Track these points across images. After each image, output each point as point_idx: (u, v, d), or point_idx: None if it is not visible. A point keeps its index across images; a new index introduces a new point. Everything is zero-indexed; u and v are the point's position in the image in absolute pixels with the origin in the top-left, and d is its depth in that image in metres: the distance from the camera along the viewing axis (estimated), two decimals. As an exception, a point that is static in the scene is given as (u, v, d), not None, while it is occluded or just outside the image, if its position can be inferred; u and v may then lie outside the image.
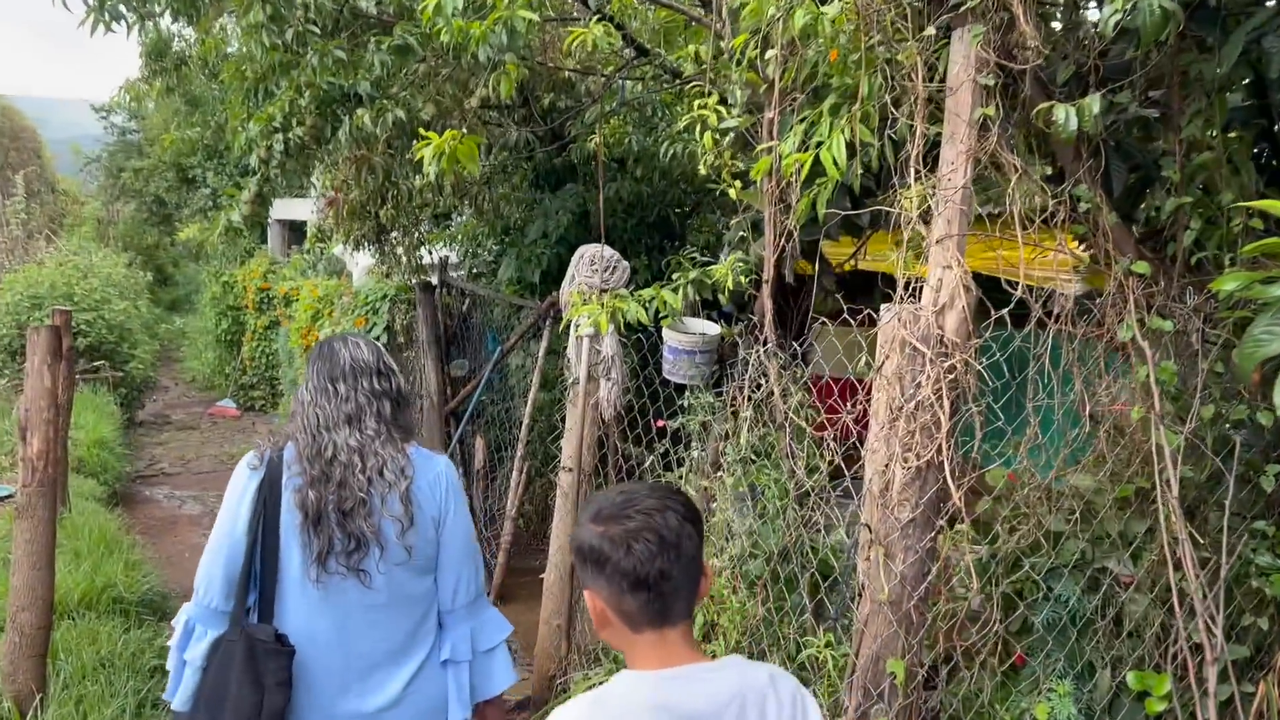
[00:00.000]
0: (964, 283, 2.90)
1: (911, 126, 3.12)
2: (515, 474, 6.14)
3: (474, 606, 2.60)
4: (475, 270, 7.81)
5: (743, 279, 3.81)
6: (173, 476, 10.55)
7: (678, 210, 6.72)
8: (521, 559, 6.27)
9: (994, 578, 3.12)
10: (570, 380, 4.74)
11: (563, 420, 7.60)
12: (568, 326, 4.64)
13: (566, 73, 5.69)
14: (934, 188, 3.04)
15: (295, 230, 16.73)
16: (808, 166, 3.33)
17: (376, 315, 7.15)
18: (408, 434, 2.52)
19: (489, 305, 7.47)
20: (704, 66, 3.88)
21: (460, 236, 7.61)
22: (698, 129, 3.75)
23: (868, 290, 4.49)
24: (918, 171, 3.09)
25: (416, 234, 7.92)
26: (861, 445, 3.10)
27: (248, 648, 2.31)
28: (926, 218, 2.99)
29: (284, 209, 16.10)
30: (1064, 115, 2.74)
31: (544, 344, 6.11)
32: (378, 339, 7.28)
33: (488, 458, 6.70)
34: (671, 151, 5.16)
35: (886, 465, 2.95)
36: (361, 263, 8.79)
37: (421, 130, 3.30)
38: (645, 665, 1.63)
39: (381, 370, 2.51)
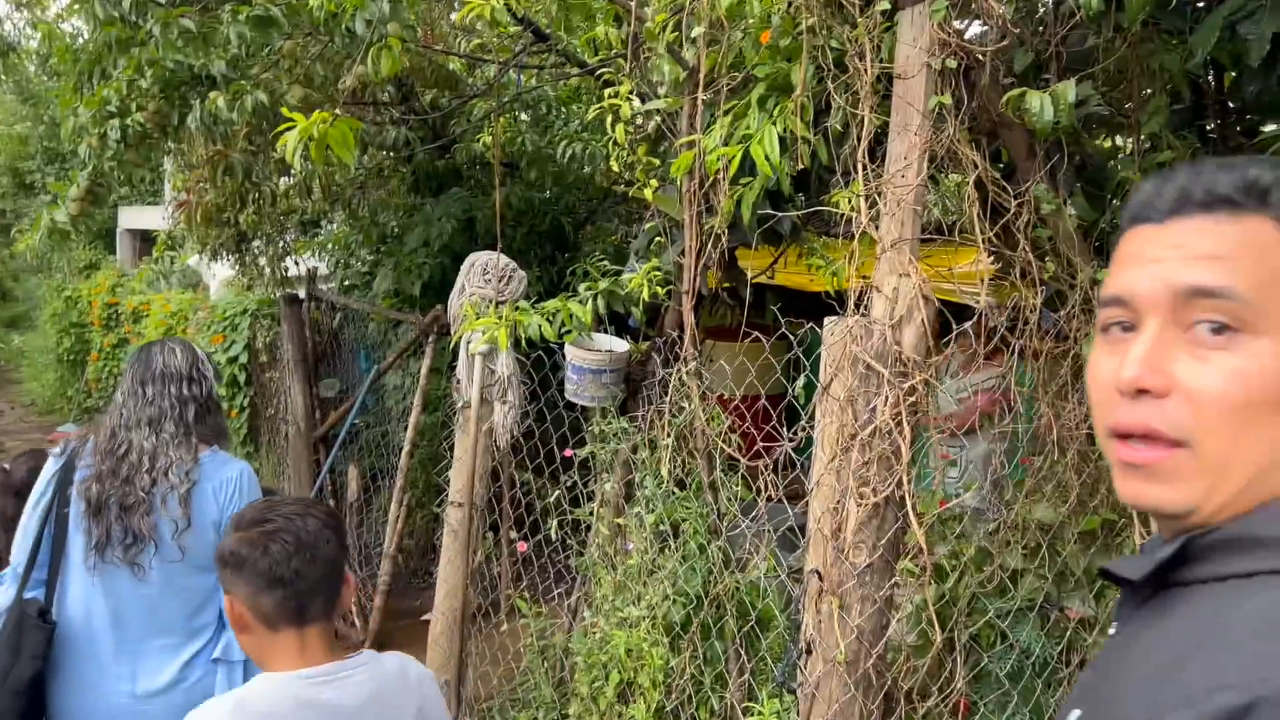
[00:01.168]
0: (923, 292, 2.54)
1: (854, 115, 2.76)
2: (394, 506, 5.56)
3: None
4: (348, 282, 7.19)
5: (659, 289, 3.39)
6: (3, 512, 9.47)
7: (570, 218, 6.28)
8: (400, 599, 5.69)
9: (951, 623, 2.79)
10: (460, 403, 4.23)
11: (449, 448, 7.06)
12: (456, 344, 4.15)
13: (451, 64, 5.20)
14: (880, 187, 2.68)
15: (148, 240, 15.58)
16: (736, 162, 2.95)
17: (236, 332, 6.46)
18: (218, 437, 2.69)
19: (363, 320, 6.87)
20: (614, 52, 3.47)
21: (331, 245, 6.98)
22: (608, 121, 3.33)
23: (794, 302, 4.13)
24: (864, 167, 2.72)
25: (281, 243, 7.27)
26: (803, 474, 2.74)
27: (17, 618, 2.45)
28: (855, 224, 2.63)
29: (134, 217, 14.97)
30: (1039, 103, 2.42)
31: (426, 362, 5.56)
32: (235, 358, 6.59)
33: (362, 488, 6.09)
34: (570, 152, 4.74)
35: (838, 502, 2.57)
36: (220, 274, 8.05)
37: (286, 112, 2.77)
38: (284, 666, 1.68)
39: (193, 377, 2.64)
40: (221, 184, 4.93)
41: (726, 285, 3.87)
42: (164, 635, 2.58)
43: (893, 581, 2.52)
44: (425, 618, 4.34)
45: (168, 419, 2.58)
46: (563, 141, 4.76)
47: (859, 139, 2.74)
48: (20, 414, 14.88)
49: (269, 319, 6.48)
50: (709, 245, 3.31)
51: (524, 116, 5.11)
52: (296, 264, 7.72)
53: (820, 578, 2.57)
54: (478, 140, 4.97)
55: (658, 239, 3.79)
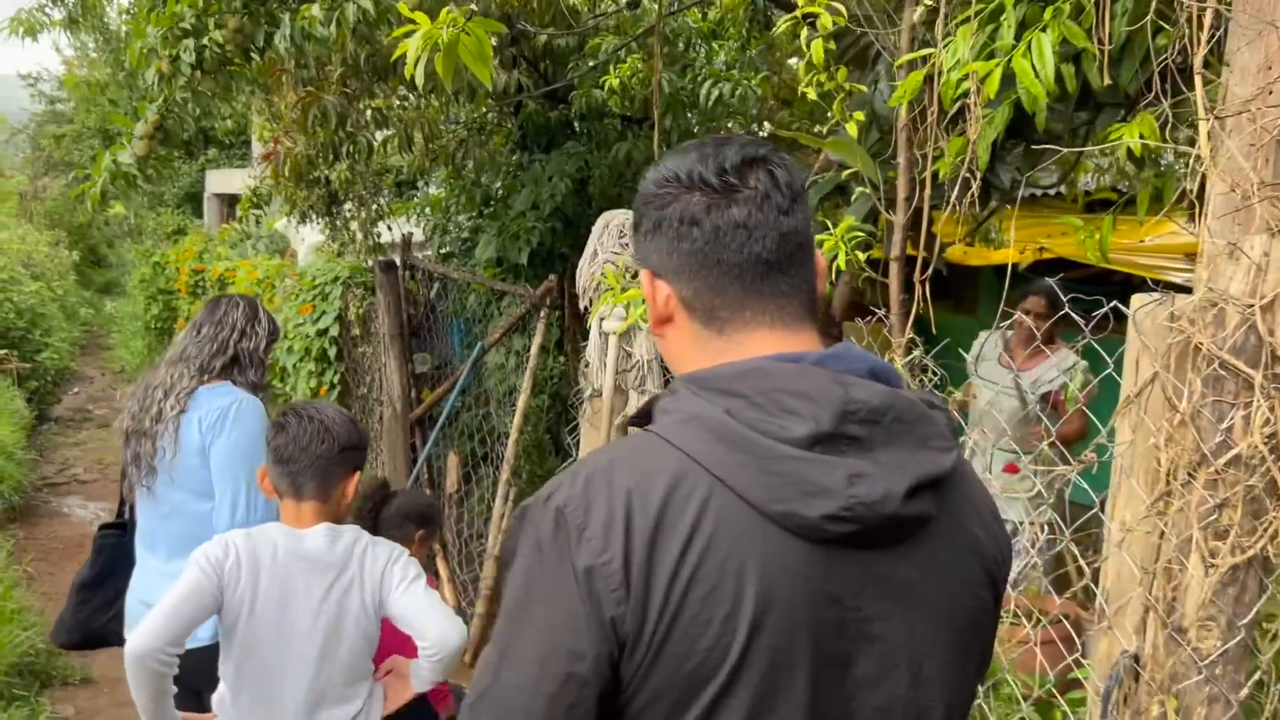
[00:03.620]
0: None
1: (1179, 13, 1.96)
2: (499, 502, 4.92)
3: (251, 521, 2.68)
4: (445, 249, 6.55)
5: (859, 254, 2.64)
6: (87, 484, 9.13)
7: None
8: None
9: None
10: (588, 392, 3.55)
11: (553, 437, 6.43)
12: (578, 320, 3.49)
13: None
14: (1223, 112, 1.86)
15: (235, 205, 15.30)
16: (995, 82, 2.17)
17: (326, 302, 5.88)
18: (253, 390, 2.78)
19: (462, 291, 6.24)
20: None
21: (428, 209, 6.35)
22: (803, 36, 2.58)
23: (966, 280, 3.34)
24: (1200, 79, 1.91)
25: (375, 205, 6.67)
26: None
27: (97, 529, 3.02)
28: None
29: (222, 181, 14.65)
30: None
31: (537, 339, 4.89)
32: (325, 331, 6.01)
33: (462, 478, 5.47)
34: (716, 94, 3.99)
35: (1169, 562, 1.80)
36: (309, 239, 7.50)
37: (405, 11, 2.09)
38: (288, 523, 2.20)
39: (245, 331, 2.79)
40: (312, 132, 4.31)
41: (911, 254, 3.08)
42: (178, 550, 2.60)
43: (1256, 675, 1.76)
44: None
45: (197, 358, 2.73)
46: (706, 82, 4.01)
47: (1195, 41, 1.93)
48: (109, 381, 14.72)
49: (362, 288, 5.88)
50: (924, 197, 2.55)
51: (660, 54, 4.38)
52: (390, 229, 7.13)
53: (1139, 665, 1.82)
54: (603, 82, 4.25)
55: (851, 190, 3.04)
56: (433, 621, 2.13)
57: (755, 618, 0.92)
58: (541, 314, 4.87)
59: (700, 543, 0.92)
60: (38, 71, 20.82)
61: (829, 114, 2.78)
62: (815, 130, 2.63)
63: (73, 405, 12.60)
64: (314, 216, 6.55)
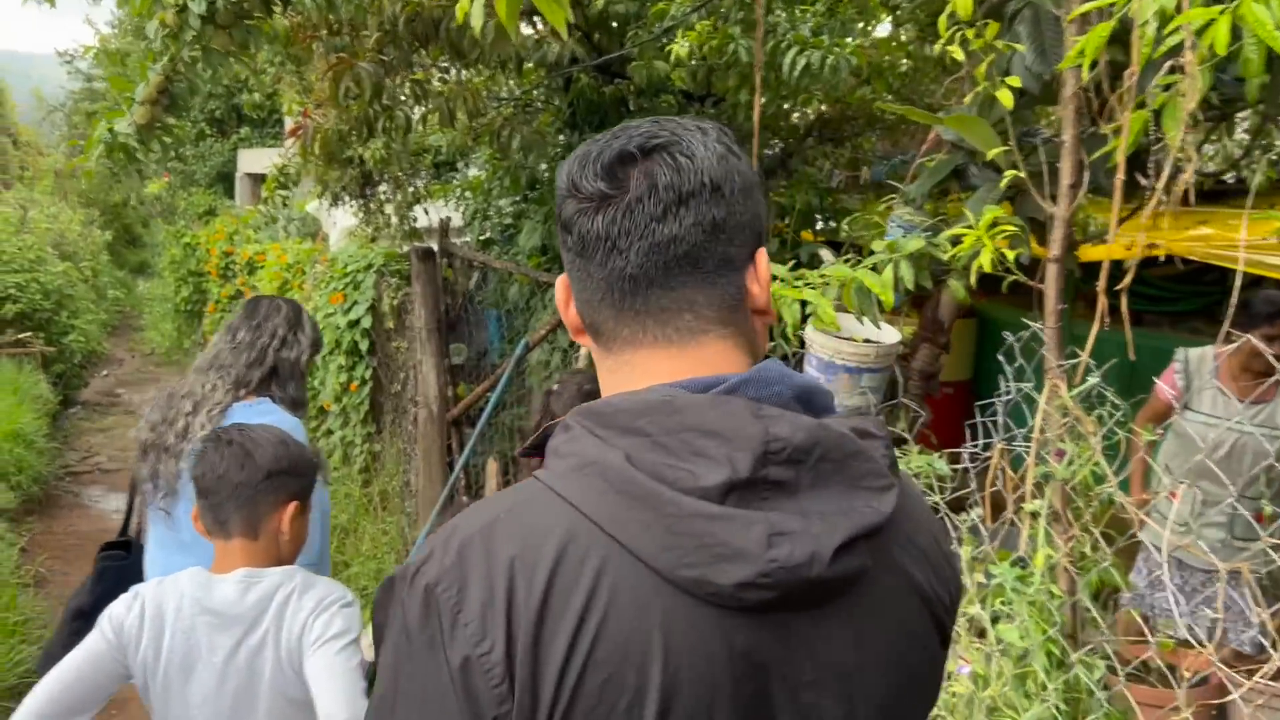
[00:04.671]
0: None
1: None
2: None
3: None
4: (485, 235, 6.10)
5: (1008, 253, 2.14)
6: (110, 474, 8.79)
7: (772, 152, 5.05)
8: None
9: None
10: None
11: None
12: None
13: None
14: None
15: (268, 186, 14.96)
16: (1224, 33, 1.67)
17: (358, 290, 5.44)
18: (293, 407, 2.52)
19: (503, 281, 5.78)
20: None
21: (469, 193, 5.90)
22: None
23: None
24: None
25: (412, 187, 6.23)
26: None
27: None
28: None
29: (254, 160, 14.27)
30: None
31: (588, 338, 4.42)
32: (356, 322, 5.57)
33: (501, 486, 5.02)
34: (802, 63, 3.49)
35: None
36: (341, 222, 7.08)
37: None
38: (216, 567, 1.89)
39: (285, 339, 2.53)
40: (345, 105, 3.85)
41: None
42: None
43: None
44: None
45: (233, 369, 2.47)
46: (790, 50, 3.51)
47: None
48: (139, 363, 14.45)
49: (397, 276, 5.44)
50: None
51: (733, 19, 3.87)
52: (426, 213, 6.70)
53: None
54: (668, 49, 3.76)
55: (974, 178, 2.54)
56: (328, 695, 1.75)
57: (663, 703, 0.79)
58: (594, 310, 4.40)
59: (595, 619, 0.79)
60: (74, 49, 20.65)
61: (918, 88, 2.29)
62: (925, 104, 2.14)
63: (101, 389, 12.32)
64: (346, 198, 6.13)
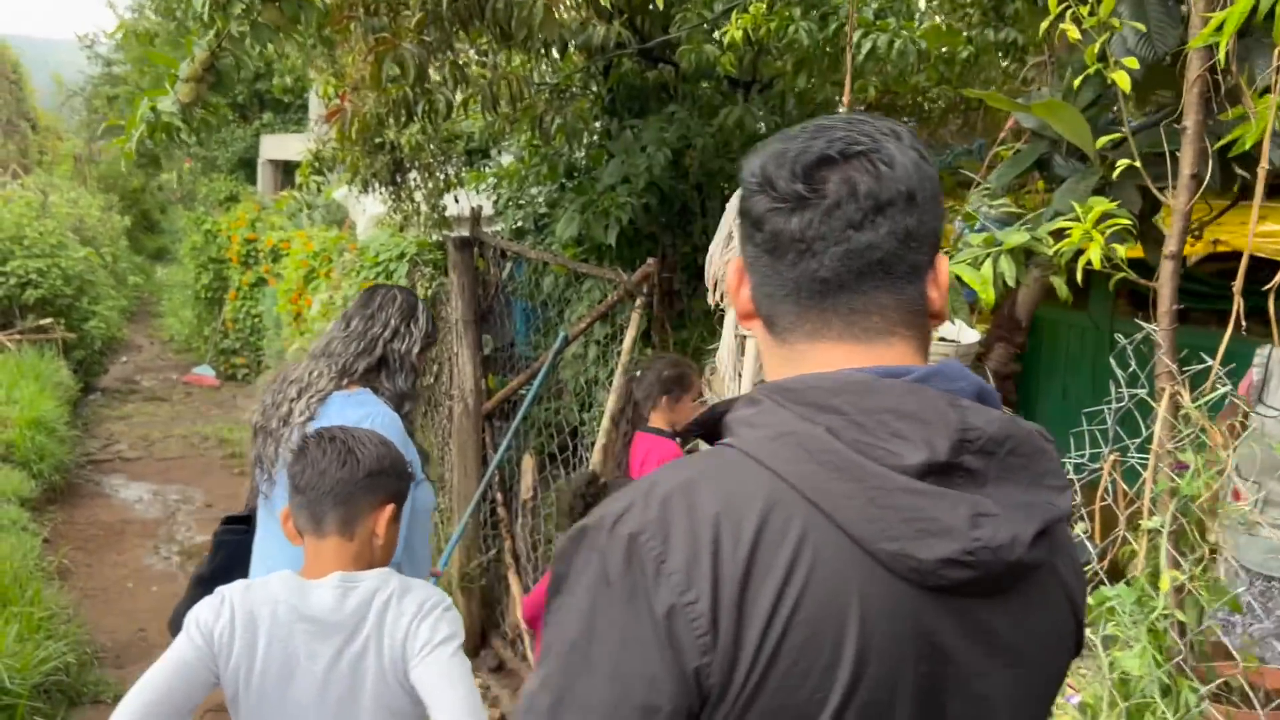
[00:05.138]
0: None
1: None
2: (582, 513, 4.32)
3: None
4: (519, 224, 5.95)
5: (1119, 248, 1.99)
6: (131, 462, 8.73)
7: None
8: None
9: None
10: (713, 402, 2.94)
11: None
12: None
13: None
14: None
15: (289, 172, 14.82)
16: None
17: (390, 280, 5.29)
18: (397, 400, 2.49)
19: (536, 272, 5.64)
20: None
21: (504, 181, 5.75)
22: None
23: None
24: None
25: (443, 174, 6.08)
26: None
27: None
28: None
29: (277, 146, 14.14)
30: None
31: (631, 331, 4.29)
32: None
33: (538, 483, 4.89)
34: (868, 47, 3.33)
35: None
36: (369, 210, 6.95)
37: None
38: (307, 574, 1.83)
39: (399, 331, 2.49)
40: (385, 87, 3.71)
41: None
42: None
43: None
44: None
45: (341, 357, 2.46)
46: (855, 33, 3.34)
47: None
48: (158, 350, 14.40)
49: (430, 266, 5.30)
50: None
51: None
52: (457, 201, 6.55)
53: None
54: (724, 33, 3.60)
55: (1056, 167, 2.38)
56: (448, 703, 1.72)
57: (855, 670, 0.81)
58: (637, 303, 4.26)
59: (799, 580, 0.80)
60: (94, 33, 20.56)
61: (978, 74, 2.12)
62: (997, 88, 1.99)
63: (120, 375, 12.27)
64: (376, 185, 5.99)
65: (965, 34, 3.85)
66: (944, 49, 4.26)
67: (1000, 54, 4.06)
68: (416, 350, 2.55)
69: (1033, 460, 0.87)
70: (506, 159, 6.57)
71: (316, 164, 4.88)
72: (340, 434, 1.91)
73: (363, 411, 2.37)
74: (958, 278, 2.12)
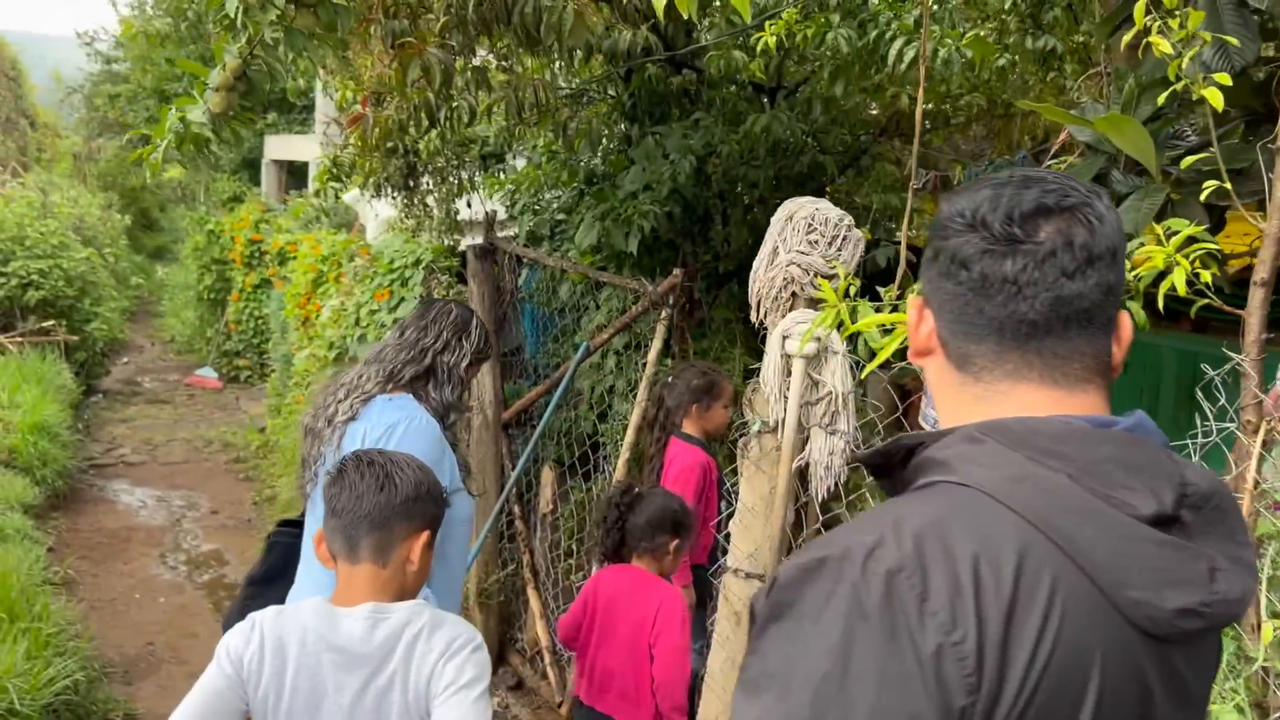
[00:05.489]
0: None
1: None
2: (604, 529, 4.22)
3: None
4: (535, 231, 5.85)
5: (1204, 274, 1.89)
6: (135, 467, 8.61)
7: (837, 156, 4.80)
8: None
9: None
10: (754, 425, 2.83)
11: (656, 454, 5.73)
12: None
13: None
14: None
15: (294, 174, 14.70)
16: None
17: (405, 288, 5.19)
18: (442, 410, 2.49)
19: (552, 280, 5.54)
20: None
21: (522, 186, 5.65)
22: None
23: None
24: None
25: (456, 178, 5.98)
26: None
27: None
28: None
29: (281, 147, 14.03)
30: None
31: (656, 343, 4.19)
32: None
33: (557, 496, 4.78)
34: (910, 55, 3.24)
35: None
36: (381, 213, 6.84)
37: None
38: (338, 600, 1.78)
39: (449, 344, 2.52)
40: (409, 92, 3.60)
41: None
42: None
43: None
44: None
45: (390, 364, 2.49)
46: (896, 40, 3.25)
47: None
48: (159, 351, 14.27)
49: (447, 274, 5.20)
50: None
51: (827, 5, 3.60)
52: (469, 206, 6.45)
53: None
54: (756, 39, 3.50)
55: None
56: None
57: (1095, 712, 0.83)
58: (664, 314, 4.16)
59: (1054, 624, 0.82)
60: (94, 31, 20.40)
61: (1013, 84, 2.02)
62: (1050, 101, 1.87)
63: (122, 377, 12.15)
64: (390, 190, 5.89)
65: (1003, 43, 3.75)
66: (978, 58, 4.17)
67: (1037, 63, 3.97)
68: (465, 364, 2.56)
69: (1228, 516, 0.90)
70: (520, 163, 6.47)
71: (335, 170, 4.77)
72: (379, 458, 1.87)
73: (401, 414, 2.39)
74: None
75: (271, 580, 2.57)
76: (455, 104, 3.98)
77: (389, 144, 4.93)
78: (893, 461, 0.99)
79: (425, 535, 1.86)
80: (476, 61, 4.23)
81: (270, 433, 8.43)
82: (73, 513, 7.22)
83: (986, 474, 0.88)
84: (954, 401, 0.98)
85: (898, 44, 3.27)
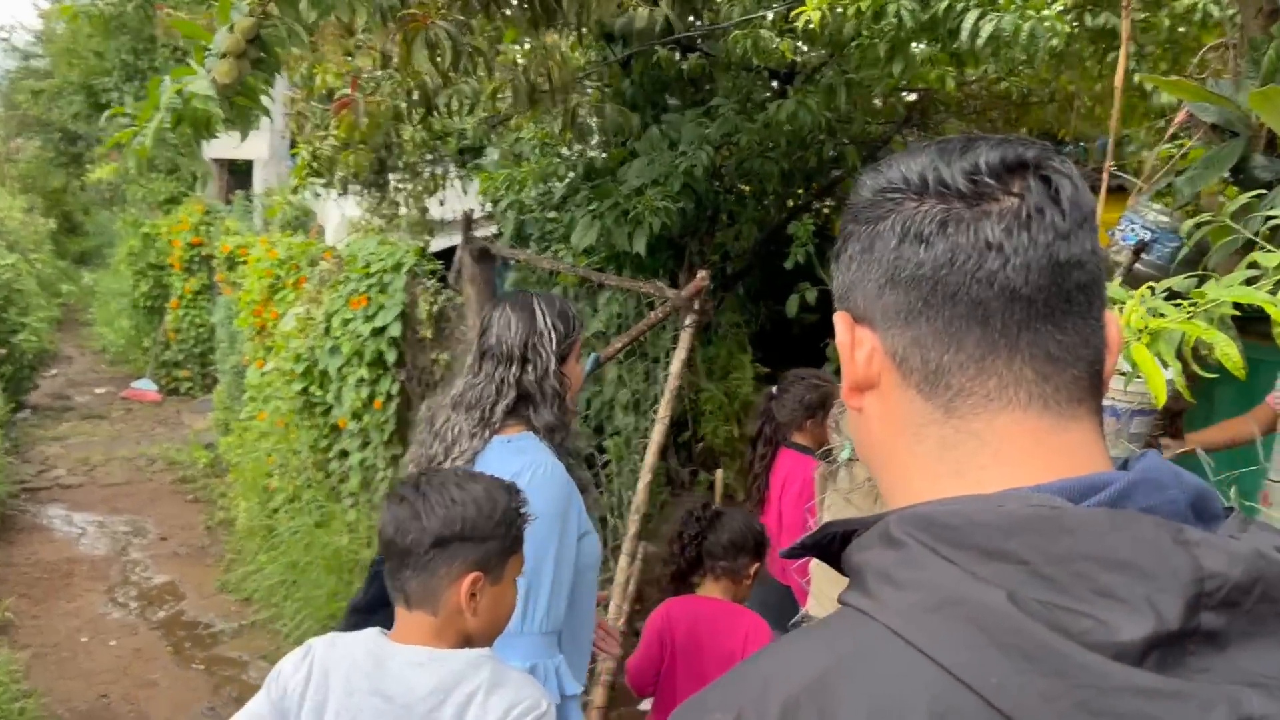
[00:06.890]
0: None
1: None
2: (623, 561, 3.83)
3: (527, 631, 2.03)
4: (520, 230, 5.42)
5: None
6: (72, 489, 7.96)
7: (861, 145, 4.46)
8: (627, 700, 3.94)
9: None
10: (845, 453, 2.45)
11: (680, 463, 5.33)
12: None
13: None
14: None
15: (237, 173, 13.99)
16: None
17: (385, 294, 4.71)
18: (547, 431, 2.12)
19: (544, 283, 5.12)
20: None
21: (508, 189, 5.21)
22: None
23: None
24: None
25: (429, 173, 5.54)
26: None
27: None
28: None
29: (222, 145, 13.32)
30: None
31: (680, 352, 3.81)
32: (383, 330, 4.85)
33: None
34: (989, 29, 2.90)
35: None
36: (343, 212, 6.34)
37: None
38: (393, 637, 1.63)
39: (526, 357, 2.12)
40: (411, 71, 3.16)
41: None
42: None
43: None
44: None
45: (481, 406, 2.13)
46: (971, 13, 2.90)
47: None
48: (90, 362, 13.46)
49: (431, 278, 4.74)
50: None
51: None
52: (441, 204, 6.01)
53: None
54: (794, 16, 3.12)
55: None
56: None
57: None
58: (688, 320, 3.77)
59: None
60: (10, 25, 19.39)
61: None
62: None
63: (51, 390, 11.38)
64: (360, 187, 5.42)
65: (1070, 21, 3.43)
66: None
67: (1094, 43, 3.66)
68: (554, 367, 2.12)
69: None
70: (495, 155, 6.03)
71: (314, 165, 4.28)
72: (411, 493, 1.62)
73: (523, 460, 2.04)
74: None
75: (375, 609, 2.22)
76: (455, 87, 3.54)
77: (377, 138, 4.47)
78: (831, 551, 0.73)
79: (471, 579, 1.59)
80: (477, 44, 3.81)
81: (222, 451, 7.84)
82: (6, 544, 6.59)
83: (897, 599, 0.63)
84: (905, 456, 0.72)
85: (972, 16, 2.91)
